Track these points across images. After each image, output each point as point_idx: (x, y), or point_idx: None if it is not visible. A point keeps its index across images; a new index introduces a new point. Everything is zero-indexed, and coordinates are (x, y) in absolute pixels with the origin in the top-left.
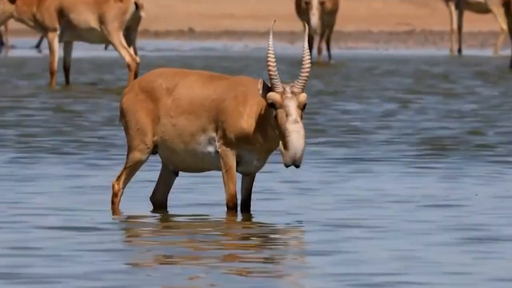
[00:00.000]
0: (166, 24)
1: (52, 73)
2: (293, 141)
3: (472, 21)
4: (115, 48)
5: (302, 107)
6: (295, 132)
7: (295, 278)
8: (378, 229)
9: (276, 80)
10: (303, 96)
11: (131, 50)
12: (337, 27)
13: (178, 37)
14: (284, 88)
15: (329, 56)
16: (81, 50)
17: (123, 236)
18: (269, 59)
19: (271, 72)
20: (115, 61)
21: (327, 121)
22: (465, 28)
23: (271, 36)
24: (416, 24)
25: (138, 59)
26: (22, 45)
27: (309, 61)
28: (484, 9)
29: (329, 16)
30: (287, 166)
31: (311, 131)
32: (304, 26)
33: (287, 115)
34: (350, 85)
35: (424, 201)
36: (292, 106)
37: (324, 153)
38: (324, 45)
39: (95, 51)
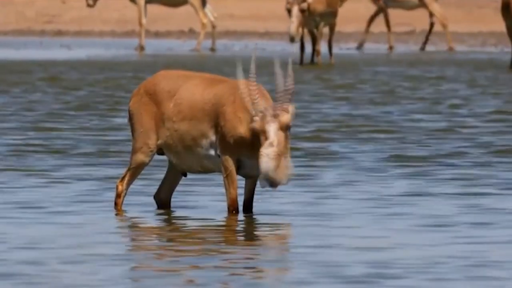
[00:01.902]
0: (166, 24)
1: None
2: (262, 164)
3: (472, 21)
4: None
5: (285, 128)
6: (265, 156)
7: (294, 278)
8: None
9: (258, 106)
10: (285, 118)
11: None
12: (337, 28)
13: (178, 37)
14: (265, 113)
15: (330, 55)
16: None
17: (124, 238)
18: (250, 86)
19: (253, 99)
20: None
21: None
22: (465, 28)
23: (253, 63)
24: (416, 25)
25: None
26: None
27: (292, 82)
28: (412, 6)
29: (326, 17)
30: (262, 187)
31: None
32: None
33: (266, 139)
34: None
35: None
36: (272, 131)
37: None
38: (322, 47)
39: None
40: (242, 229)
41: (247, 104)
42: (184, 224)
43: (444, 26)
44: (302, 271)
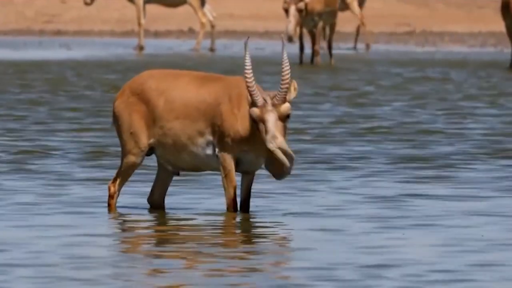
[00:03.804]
0: (166, 24)
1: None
2: (278, 159)
3: (472, 21)
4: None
5: (284, 118)
6: (276, 150)
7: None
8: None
9: (255, 95)
10: (284, 107)
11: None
12: (337, 28)
13: (178, 37)
14: (265, 101)
15: (330, 56)
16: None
17: (118, 240)
18: (246, 74)
19: (249, 88)
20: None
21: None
22: (465, 28)
23: (247, 52)
24: (416, 25)
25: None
26: None
27: (289, 71)
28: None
29: (325, 17)
30: (278, 179)
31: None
32: (282, 37)
33: (266, 131)
34: None
35: None
36: (271, 121)
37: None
38: (320, 47)
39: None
40: (242, 229)
41: (249, 94)
42: (183, 225)
43: (363, 25)
44: (300, 273)
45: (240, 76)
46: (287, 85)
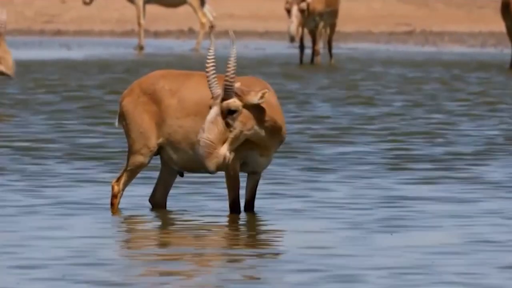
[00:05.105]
0: (166, 24)
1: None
2: (197, 149)
3: (472, 21)
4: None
5: (225, 114)
6: (199, 141)
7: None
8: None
9: (212, 86)
10: (226, 104)
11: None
12: (336, 27)
13: (178, 36)
14: (218, 94)
15: (330, 56)
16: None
17: (120, 242)
18: (207, 64)
19: (208, 78)
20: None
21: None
22: (465, 28)
23: (212, 43)
24: (416, 25)
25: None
26: None
27: (233, 69)
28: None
29: (326, 17)
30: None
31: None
32: (231, 36)
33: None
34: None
35: None
36: (210, 114)
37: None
38: (321, 47)
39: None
40: (244, 230)
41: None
42: (185, 226)
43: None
44: (302, 275)
45: (251, 76)
46: (228, 83)
